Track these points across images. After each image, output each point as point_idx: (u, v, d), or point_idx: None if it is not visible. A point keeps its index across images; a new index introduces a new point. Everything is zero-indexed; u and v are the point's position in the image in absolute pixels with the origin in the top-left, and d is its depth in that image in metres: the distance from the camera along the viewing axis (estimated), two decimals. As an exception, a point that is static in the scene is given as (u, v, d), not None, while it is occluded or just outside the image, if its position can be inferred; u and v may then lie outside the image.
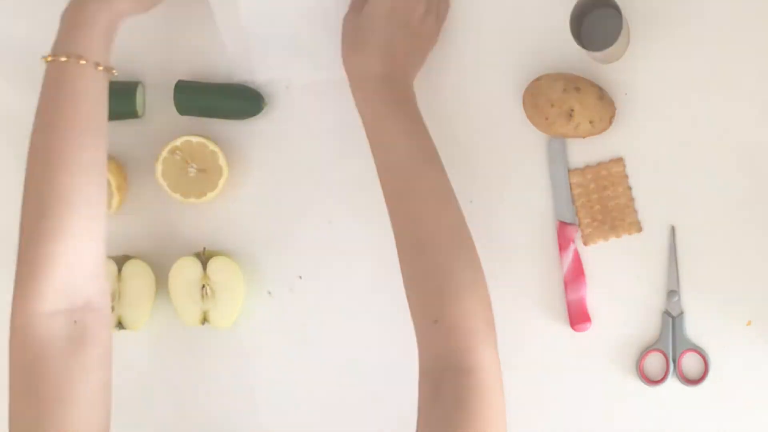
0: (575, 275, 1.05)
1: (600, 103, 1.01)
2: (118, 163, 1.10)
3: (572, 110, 1.00)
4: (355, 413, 1.09)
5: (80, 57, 0.95)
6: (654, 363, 1.05)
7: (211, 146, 1.07)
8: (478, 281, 0.92)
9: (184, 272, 1.08)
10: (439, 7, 1.04)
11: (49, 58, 0.95)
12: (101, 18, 0.96)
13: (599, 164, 1.04)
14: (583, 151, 1.04)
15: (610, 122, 1.02)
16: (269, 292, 1.10)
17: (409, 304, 0.93)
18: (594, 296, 1.05)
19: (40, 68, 0.95)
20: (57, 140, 0.94)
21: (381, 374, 1.08)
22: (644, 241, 1.04)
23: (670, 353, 1.03)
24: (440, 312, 0.90)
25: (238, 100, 1.08)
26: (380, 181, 0.97)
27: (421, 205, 0.94)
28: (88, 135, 0.95)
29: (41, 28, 0.98)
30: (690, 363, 1.04)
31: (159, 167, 1.07)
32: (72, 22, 0.96)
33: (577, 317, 1.04)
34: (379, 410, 1.08)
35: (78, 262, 0.93)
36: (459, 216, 0.95)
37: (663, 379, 1.04)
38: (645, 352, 1.04)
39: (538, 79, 1.02)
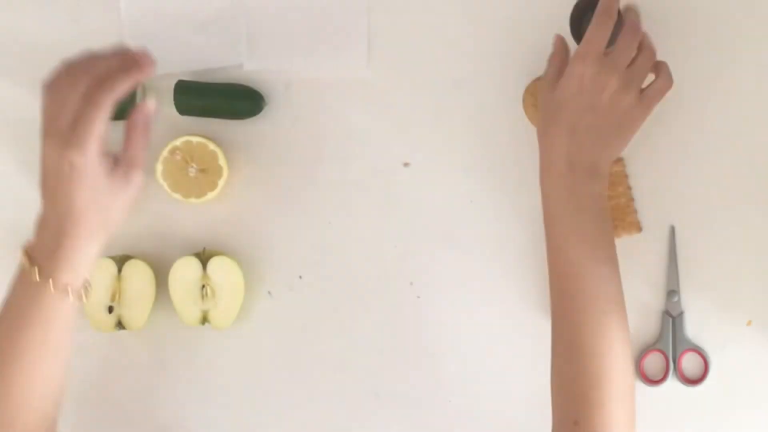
0: (575, 275, 1.04)
1: (600, 103, 1.01)
2: (118, 163, 1.10)
3: (572, 110, 1.00)
4: (354, 413, 1.09)
5: (66, 287, 0.90)
6: (654, 363, 1.05)
7: (211, 146, 1.07)
8: (627, 392, 0.91)
9: (184, 272, 1.08)
10: (645, 81, 0.95)
11: (35, 273, 0.89)
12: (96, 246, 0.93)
13: (599, 164, 1.04)
14: (583, 151, 1.04)
15: (610, 122, 1.02)
16: (269, 292, 1.10)
17: (552, 401, 0.92)
18: (594, 296, 1.04)
19: (46, 65, 0.91)
20: (14, 371, 0.90)
21: (380, 374, 1.08)
22: (644, 241, 1.04)
23: (670, 353, 1.03)
24: (583, 416, 0.89)
25: (238, 100, 1.08)
26: (548, 265, 0.95)
27: (584, 309, 0.91)
28: (49, 363, 0.92)
29: (47, 23, 0.96)
30: (690, 363, 1.04)
31: (159, 167, 1.07)
32: (61, 246, 0.90)
33: (577, 317, 1.04)
34: (379, 410, 1.08)
35: None
36: (621, 326, 0.92)
37: (663, 379, 1.04)
38: (645, 352, 1.04)
39: (538, 79, 1.02)
